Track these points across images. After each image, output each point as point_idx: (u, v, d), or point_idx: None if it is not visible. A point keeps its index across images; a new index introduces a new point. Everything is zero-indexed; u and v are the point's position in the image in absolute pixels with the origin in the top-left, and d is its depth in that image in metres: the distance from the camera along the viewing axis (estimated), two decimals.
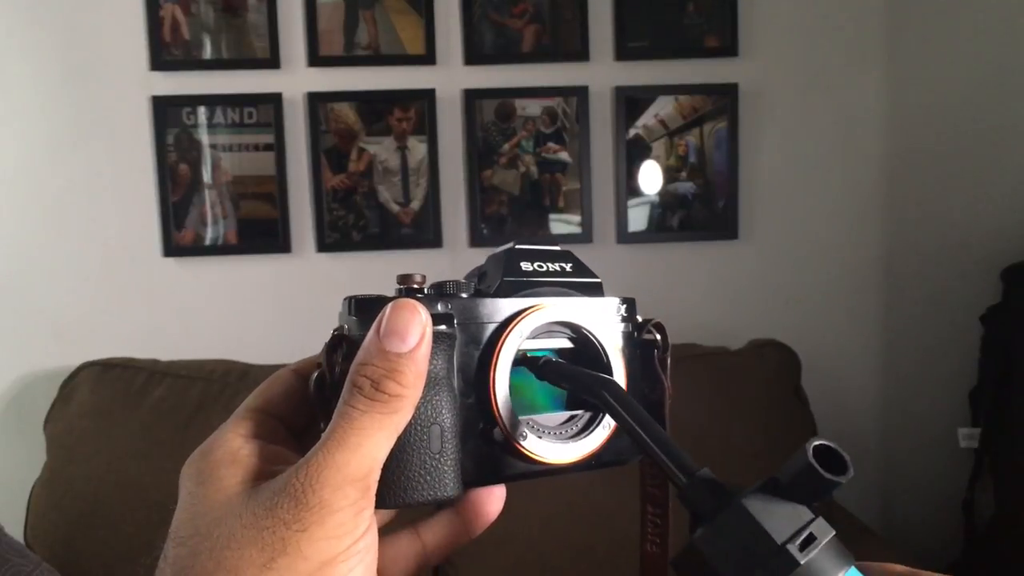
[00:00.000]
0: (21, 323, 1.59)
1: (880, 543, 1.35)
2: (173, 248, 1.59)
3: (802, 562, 0.24)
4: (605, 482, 1.29)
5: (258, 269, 1.62)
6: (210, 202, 1.59)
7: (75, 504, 1.33)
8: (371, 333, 0.29)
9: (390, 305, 0.29)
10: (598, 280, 0.38)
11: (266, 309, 1.63)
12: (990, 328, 1.59)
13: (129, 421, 1.38)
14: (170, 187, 1.58)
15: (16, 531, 1.23)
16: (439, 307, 0.32)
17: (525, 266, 0.36)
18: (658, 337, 0.38)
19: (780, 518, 0.25)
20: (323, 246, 1.61)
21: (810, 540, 0.25)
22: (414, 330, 0.29)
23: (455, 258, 1.63)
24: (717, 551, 0.26)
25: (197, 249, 1.60)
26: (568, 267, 0.37)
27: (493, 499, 0.36)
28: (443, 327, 0.31)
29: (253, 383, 1.52)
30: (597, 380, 0.33)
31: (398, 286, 0.32)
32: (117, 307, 1.60)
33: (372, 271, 1.63)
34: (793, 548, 0.24)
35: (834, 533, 0.25)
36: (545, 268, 0.36)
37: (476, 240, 1.62)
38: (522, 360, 0.34)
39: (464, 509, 0.35)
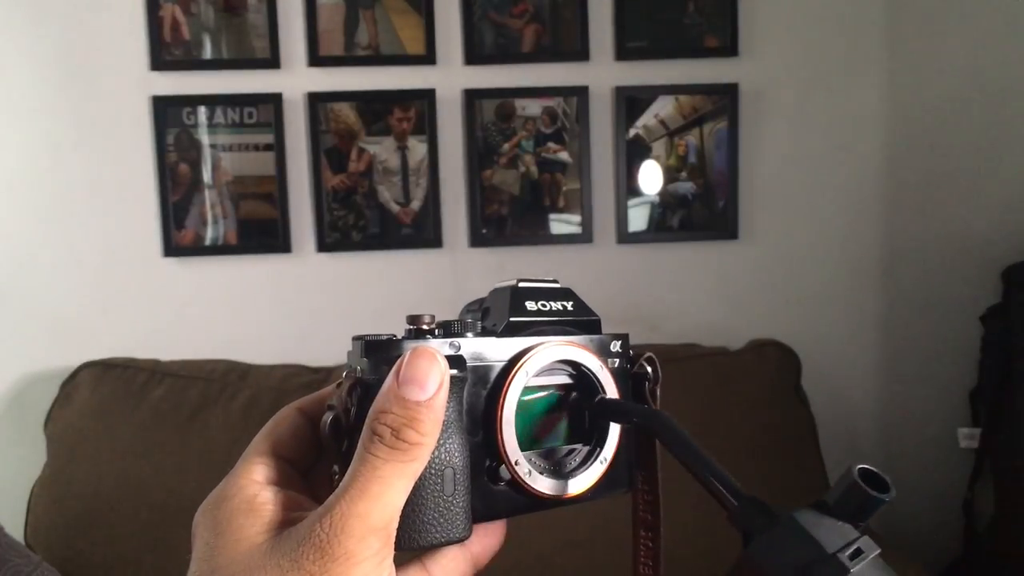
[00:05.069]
0: (21, 323, 1.59)
1: (880, 543, 1.34)
2: (173, 248, 1.59)
3: (852, 570, 0.26)
4: None
5: (258, 269, 1.62)
6: (210, 202, 1.59)
7: (75, 504, 1.33)
8: (390, 380, 0.29)
9: (408, 352, 0.30)
10: (596, 318, 0.40)
11: (266, 309, 1.63)
12: (990, 328, 1.60)
13: (129, 421, 1.38)
14: (170, 187, 1.58)
15: (16, 531, 1.23)
16: (450, 350, 0.32)
17: (530, 305, 0.37)
18: (649, 370, 0.40)
19: (829, 532, 0.27)
20: (323, 246, 1.61)
21: (858, 553, 0.27)
22: (433, 378, 0.29)
23: (455, 258, 1.63)
24: (770, 560, 0.27)
25: (197, 249, 1.60)
26: (569, 306, 0.39)
27: (498, 532, 0.37)
28: (456, 371, 0.31)
29: (253, 383, 1.52)
30: (650, 413, 0.35)
31: (408, 326, 0.33)
32: (117, 307, 1.60)
33: (372, 271, 1.63)
34: (843, 557, 0.26)
35: (880, 551, 0.27)
36: (548, 307, 0.38)
37: (476, 240, 1.62)
38: (577, 401, 0.36)
39: (470, 542, 0.36)
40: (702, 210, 1.66)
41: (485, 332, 0.36)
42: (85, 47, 1.56)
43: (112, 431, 1.38)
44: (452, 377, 0.31)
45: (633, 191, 1.64)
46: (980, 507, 1.61)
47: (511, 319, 0.36)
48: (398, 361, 0.30)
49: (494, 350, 0.34)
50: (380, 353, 0.31)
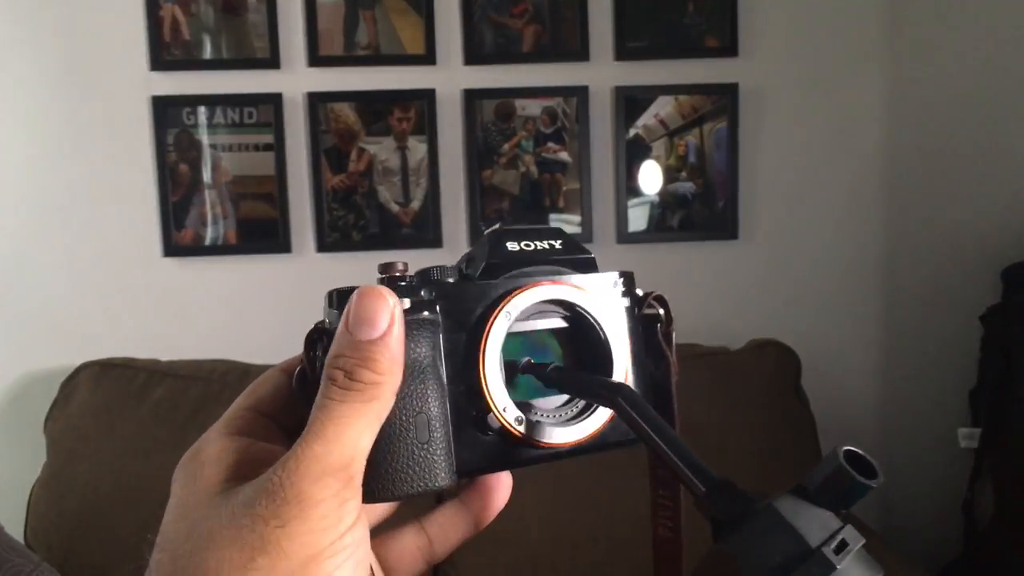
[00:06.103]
0: (21, 323, 1.58)
1: (880, 543, 1.34)
2: (173, 248, 1.59)
3: (839, 566, 0.23)
4: (603, 479, 1.28)
5: (258, 269, 1.62)
6: (210, 202, 1.59)
7: (75, 504, 1.33)
8: (340, 324, 0.29)
9: (355, 293, 0.29)
10: (591, 256, 0.36)
11: (266, 309, 1.63)
12: (990, 328, 1.59)
13: (129, 421, 1.38)
14: (170, 187, 1.58)
15: (16, 531, 1.23)
16: (422, 293, 0.31)
17: (512, 247, 0.35)
18: (661, 311, 0.36)
19: (811, 522, 0.24)
20: (323, 246, 1.61)
21: (843, 545, 0.24)
22: (382, 315, 0.28)
23: (455, 258, 1.63)
24: (747, 556, 0.25)
25: (197, 249, 1.60)
26: (558, 244, 0.36)
27: (500, 488, 0.35)
28: (425, 313, 0.30)
29: None
30: (608, 385, 0.32)
31: (379, 275, 0.32)
32: (117, 307, 1.60)
33: (372, 271, 1.63)
34: (828, 551, 0.24)
35: (864, 541, 0.25)
36: (533, 247, 0.35)
37: (476, 240, 1.62)
38: (528, 368, 0.34)
39: (470, 500, 0.35)
40: (702, 210, 1.66)
41: (465, 278, 0.34)
42: (85, 47, 1.56)
43: (112, 431, 1.38)
44: (420, 319, 0.29)
45: (633, 191, 1.64)
46: (980, 507, 1.61)
47: (490, 260, 0.34)
48: (346, 304, 0.28)
49: (472, 294, 0.33)
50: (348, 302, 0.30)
